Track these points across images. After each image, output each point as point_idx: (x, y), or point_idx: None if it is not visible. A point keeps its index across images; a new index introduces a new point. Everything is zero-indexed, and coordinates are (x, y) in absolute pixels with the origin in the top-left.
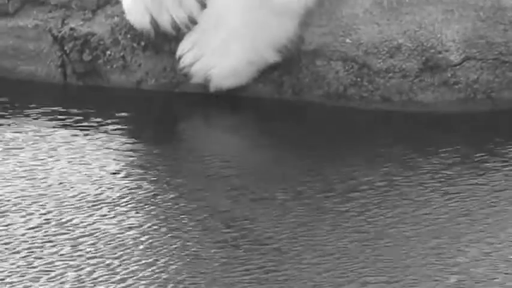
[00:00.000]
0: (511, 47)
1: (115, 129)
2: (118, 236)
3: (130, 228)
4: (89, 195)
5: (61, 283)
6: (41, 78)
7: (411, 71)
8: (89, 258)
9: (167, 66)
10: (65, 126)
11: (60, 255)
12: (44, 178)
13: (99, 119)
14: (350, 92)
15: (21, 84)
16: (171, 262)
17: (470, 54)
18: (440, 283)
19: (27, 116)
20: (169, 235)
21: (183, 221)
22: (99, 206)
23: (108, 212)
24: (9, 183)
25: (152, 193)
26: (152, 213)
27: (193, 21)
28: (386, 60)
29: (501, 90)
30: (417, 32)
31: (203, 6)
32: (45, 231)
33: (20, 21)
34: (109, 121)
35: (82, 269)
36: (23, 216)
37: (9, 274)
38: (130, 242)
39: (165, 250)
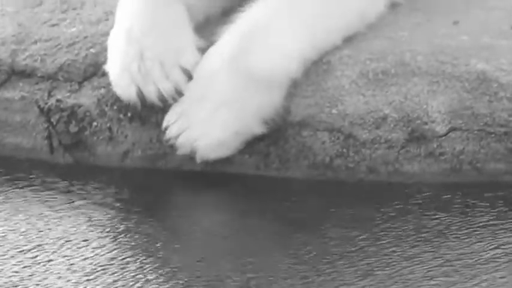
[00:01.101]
0: (496, 118)
1: (101, 203)
2: None
3: None
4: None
5: None
6: (27, 150)
7: (397, 142)
8: None
9: (153, 138)
10: (48, 198)
11: None
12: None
13: (84, 191)
14: (336, 163)
15: (6, 156)
16: None
17: (456, 125)
18: None
19: (14, 186)
20: None
21: None
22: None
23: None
24: None
25: (134, 272)
26: None
27: (179, 93)
28: (372, 131)
29: (487, 161)
30: (403, 103)
31: (189, 77)
32: None
33: (6, 93)
34: (94, 193)
35: None
36: None
37: None
38: None
39: None
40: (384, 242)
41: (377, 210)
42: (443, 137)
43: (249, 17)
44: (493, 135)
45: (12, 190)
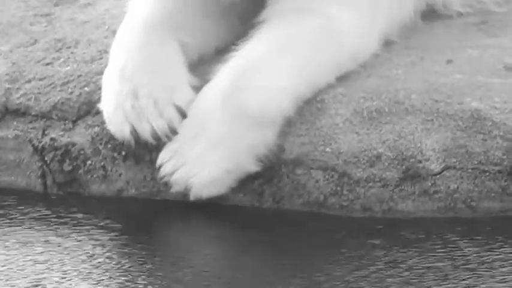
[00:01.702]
0: (490, 156)
1: (96, 239)
2: None
3: None
4: None
5: None
6: (21, 189)
7: (391, 181)
8: None
9: (147, 176)
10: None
11: None
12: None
13: (78, 229)
14: (330, 201)
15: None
16: None
17: (450, 163)
18: None
19: (7, 225)
20: None
21: None
22: None
23: None
24: None
25: None
26: None
27: (173, 131)
28: (367, 170)
29: (481, 199)
30: (397, 142)
31: (183, 115)
32: None
33: (0, 132)
34: (88, 231)
35: None
36: None
37: None
38: None
39: None
40: (377, 279)
41: (372, 247)
42: (438, 176)
43: (242, 56)
44: (487, 173)
45: (6, 226)
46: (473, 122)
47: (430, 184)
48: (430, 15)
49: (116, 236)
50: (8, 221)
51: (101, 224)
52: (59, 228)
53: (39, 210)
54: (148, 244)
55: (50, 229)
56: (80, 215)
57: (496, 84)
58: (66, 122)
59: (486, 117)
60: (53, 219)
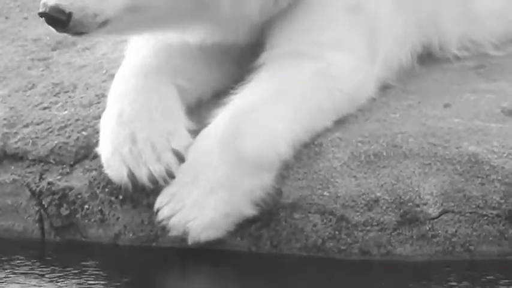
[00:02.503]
0: (488, 200)
1: (92, 285)
2: None
3: None
4: None
5: None
6: (18, 233)
7: (389, 224)
8: None
9: (145, 220)
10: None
11: None
12: None
13: (76, 275)
14: (328, 245)
15: None
16: None
17: (448, 207)
18: None
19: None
20: None
21: None
22: None
23: None
24: None
25: None
26: None
27: (171, 175)
28: (364, 213)
29: (479, 243)
30: (395, 185)
31: (181, 160)
32: None
33: None
34: (86, 276)
35: None
36: None
37: None
38: None
39: None
40: None
41: None
42: (436, 220)
43: (240, 100)
44: (485, 217)
45: (3, 271)
46: (471, 166)
47: (428, 228)
48: (427, 58)
49: (112, 283)
50: (6, 266)
51: (98, 271)
52: (54, 274)
53: (36, 256)
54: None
55: (46, 276)
56: (76, 262)
57: (493, 129)
58: (64, 166)
59: (484, 161)
60: (49, 266)
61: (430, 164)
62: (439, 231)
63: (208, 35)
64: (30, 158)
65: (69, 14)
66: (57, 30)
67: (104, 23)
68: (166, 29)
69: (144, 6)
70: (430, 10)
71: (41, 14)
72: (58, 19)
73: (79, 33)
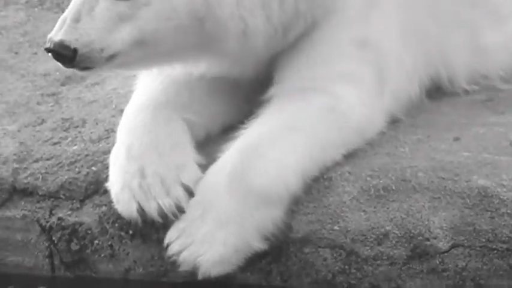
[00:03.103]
0: (498, 234)
1: None
2: None
3: None
4: None
5: None
6: (28, 269)
7: (399, 258)
8: None
9: (155, 255)
10: None
11: None
12: None
13: None
14: (338, 280)
15: (8, 274)
16: None
17: (458, 241)
18: None
19: None
20: None
21: None
22: None
23: None
24: None
25: None
26: None
27: (180, 210)
28: (374, 248)
29: (489, 277)
30: (404, 219)
31: (190, 194)
32: None
33: (8, 212)
34: None
35: None
36: None
37: None
38: None
39: None
40: None
41: None
42: (446, 253)
43: (249, 135)
44: (495, 251)
45: None
46: (480, 200)
47: (438, 262)
48: (435, 92)
49: None
50: None
51: None
52: None
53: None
54: None
55: None
56: None
57: (503, 162)
58: (74, 201)
59: (493, 194)
60: None
61: (439, 197)
62: (449, 265)
63: (215, 67)
64: (40, 193)
65: (75, 50)
66: (64, 65)
67: (111, 57)
68: (173, 62)
69: (152, 40)
70: (438, 44)
71: (47, 50)
72: (64, 55)
73: (86, 68)
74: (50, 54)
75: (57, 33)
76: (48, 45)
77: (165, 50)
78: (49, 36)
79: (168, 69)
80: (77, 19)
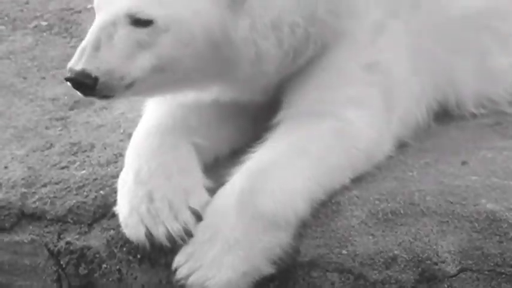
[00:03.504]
0: (506, 258)
1: None
2: None
3: None
4: None
5: None
6: None
7: (407, 283)
8: None
9: (163, 279)
10: None
11: None
12: None
13: None
14: None
15: None
16: None
17: (466, 265)
18: None
19: None
20: None
21: None
22: None
23: None
24: None
25: None
26: None
27: (188, 234)
28: (383, 272)
29: None
30: (413, 243)
31: (198, 218)
32: None
33: (16, 237)
34: None
35: None
36: None
37: None
38: None
39: None
40: None
41: None
42: (454, 278)
43: (257, 158)
44: (503, 275)
45: None
46: (488, 224)
47: (446, 286)
48: (443, 116)
49: None
50: None
51: None
52: None
53: None
54: None
55: None
56: None
57: (511, 186)
58: (82, 225)
59: (502, 218)
60: None
61: (447, 221)
62: None
63: (227, 92)
64: (48, 218)
65: (96, 78)
66: (84, 94)
67: (130, 85)
68: (188, 88)
69: (170, 67)
70: (446, 68)
71: (68, 79)
72: (85, 84)
73: (106, 97)
74: (69, 83)
75: (77, 62)
76: (69, 74)
77: (182, 76)
78: (69, 65)
79: (181, 96)
80: (96, 47)
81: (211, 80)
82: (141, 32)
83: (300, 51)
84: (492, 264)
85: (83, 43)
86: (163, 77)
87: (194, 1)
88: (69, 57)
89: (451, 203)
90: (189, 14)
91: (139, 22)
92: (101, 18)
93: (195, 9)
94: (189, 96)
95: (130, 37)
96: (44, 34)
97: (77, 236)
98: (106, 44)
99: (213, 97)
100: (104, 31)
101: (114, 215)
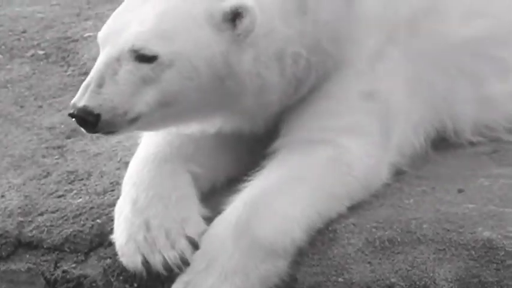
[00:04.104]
0: (504, 286)
1: None
2: None
3: None
4: None
5: None
6: None
7: None
8: None
9: None
10: None
11: None
12: None
13: None
14: None
15: None
16: None
17: None
18: None
19: None
20: None
21: None
22: None
23: None
24: None
25: None
26: None
27: (185, 262)
28: None
29: None
30: (410, 271)
31: (195, 247)
32: None
33: (12, 265)
34: None
35: None
36: None
37: None
38: None
39: None
40: None
41: None
42: None
43: (254, 187)
44: None
45: None
46: (485, 252)
47: None
48: (440, 143)
49: None
50: None
51: None
52: None
53: None
54: None
55: None
56: None
57: (508, 214)
58: (79, 254)
59: (499, 246)
60: None
61: (444, 249)
62: None
63: (229, 123)
64: (45, 246)
65: (98, 115)
66: (87, 130)
67: (134, 120)
68: (191, 120)
69: (174, 101)
70: (444, 95)
71: (71, 115)
72: (87, 120)
73: (109, 132)
74: (73, 119)
75: (80, 99)
76: (72, 111)
77: (186, 109)
78: (72, 101)
79: (185, 128)
80: (100, 84)
81: (215, 112)
82: (145, 68)
83: (302, 81)
84: None
85: (88, 79)
86: (167, 111)
87: (197, 36)
88: (66, 86)
89: (448, 230)
90: (192, 49)
91: (143, 58)
92: (105, 53)
93: (198, 43)
94: (191, 128)
95: (135, 73)
96: (41, 63)
97: (74, 265)
98: (110, 80)
99: (215, 129)
100: (108, 67)
101: (110, 244)
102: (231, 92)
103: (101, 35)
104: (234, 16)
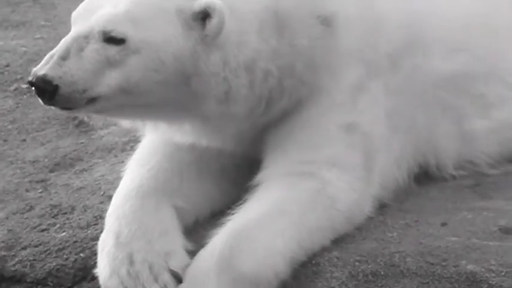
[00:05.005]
0: None
1: None
2: None
3: None
4: None
5: None
6: None
7: None
8: None
9: None
10: None
11: None
12: None
13: None
14: None
15: None
16: None
17: None
18: None
19: None
20: None
21: None
22: None
23: None
24: None
25: None
26: None
27: None
28: None
29: None
30: None
31: (178, 280)
32: None
33: None
34: None
35: None
36: None
37: None
38: None
39: None
40: None
41: None
42: None
43: (236, 220)
44: None
45: None
46: (469, 285)
47: None
48: (423, 177)
49: None
50: None
51: None
52: None
53: None
54: None
55: None
56: None
57: (491, 247)
58: None
59: (482, 279)
60: None
61: (428, 282)
62: None
63: (200, 136)
64: (28, 281)
65: (56, 87)
66: (43, 101)
67: (92, 101)
68: (152, 116)
69: (136, 90)
70: (425, 130)
71: (30, 83)
72: (45, 90)
73: (65, 108)
74: (33, 88)
75: (42, 68)
76: (31, 78)
77: (147, 102)
78: (34, 69)
79: (151, 128)
80: (64, 57)
81: (177, 113)
82: (112, 50)
83: (272, 102)
84: None
85: (53, 50)
86: (127, 99)
87: (168, 28)
88: (49, 119)
89: (432, 264)
90: (161, 40)
91: (111, 39)
92: (75, 30)
93: (167, 36)
94: (160, 131)
95: (101, 53)
96: (25, 97)
97: None
98: (75, 55)
99: (189, 141)
100: (75, 42)
101: (94, 278)
102: (195, 93)
103: (74, 14)
104: (204, 16)
